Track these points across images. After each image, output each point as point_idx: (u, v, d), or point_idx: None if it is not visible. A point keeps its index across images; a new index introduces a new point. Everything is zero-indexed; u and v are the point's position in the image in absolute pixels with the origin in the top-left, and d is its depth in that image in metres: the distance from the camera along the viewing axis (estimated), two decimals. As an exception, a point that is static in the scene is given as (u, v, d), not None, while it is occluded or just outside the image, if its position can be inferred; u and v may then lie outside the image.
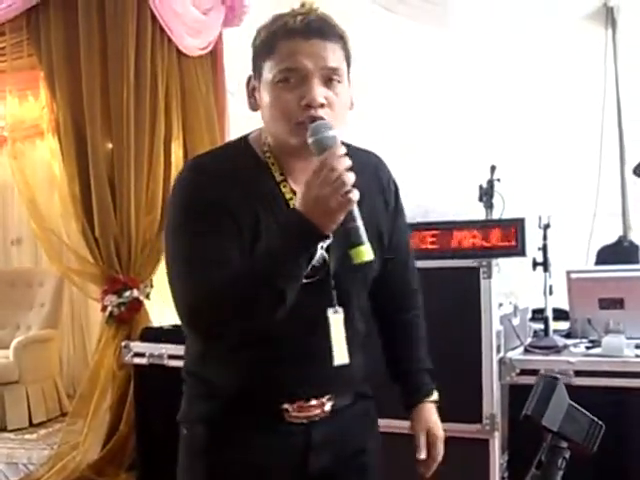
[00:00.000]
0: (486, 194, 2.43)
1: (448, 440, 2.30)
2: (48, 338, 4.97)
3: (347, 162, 1.19)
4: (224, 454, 1.37)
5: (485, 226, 2.28)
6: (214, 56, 4.38)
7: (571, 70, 4.87)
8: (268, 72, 1.29)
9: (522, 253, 2.25)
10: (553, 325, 2.58)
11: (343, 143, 1.26)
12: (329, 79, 1.28)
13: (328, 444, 1.40)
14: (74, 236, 4.05)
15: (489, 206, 2.45)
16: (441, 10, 4.71)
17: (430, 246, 2.34)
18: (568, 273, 2.38)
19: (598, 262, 4.13)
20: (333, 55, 1.28)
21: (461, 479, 2.29)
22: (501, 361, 2.30)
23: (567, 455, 1.12)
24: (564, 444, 1.12)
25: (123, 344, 3.12)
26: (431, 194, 3.31)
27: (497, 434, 2.26)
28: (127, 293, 3.75)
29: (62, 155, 3.85)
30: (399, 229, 1.48)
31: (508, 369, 2.30)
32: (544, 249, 2.45)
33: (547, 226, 2.45)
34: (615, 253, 4.23)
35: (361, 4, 4.64)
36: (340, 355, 1.33)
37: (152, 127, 3.89)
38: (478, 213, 2.58)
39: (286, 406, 1.36)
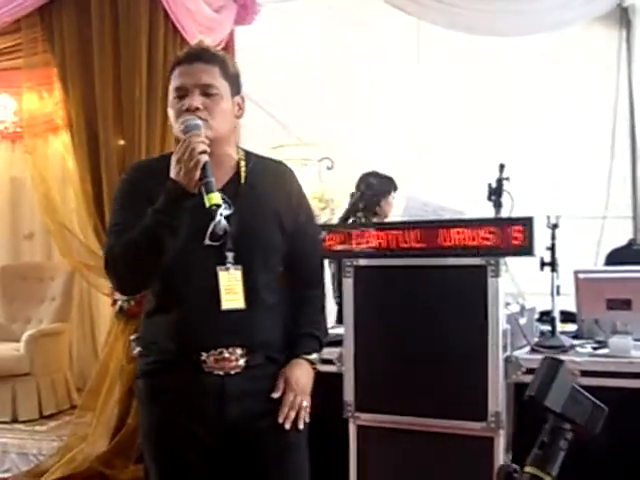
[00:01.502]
0: (495, 193, 2.44)
1: (453, 437, 2.33)
2: (59, 331, 5.01)
3: (202, 139, 1.63)
4: (159, 402, 1.73)
5: (493, 225, 2.28)
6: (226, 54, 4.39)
7: (584, 70, 4.86)
8: (170, 93, 1.76)
9: (530, 252, 2.25)
10: (561, 327, 2.58)
11: (257, 156, 1.85)
12: (206, 93, 1.72)
13: (241, 397, 1.71)
14: (85, 231, 4.09)
15: (498, 205, 2.45)
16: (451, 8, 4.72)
17: (438, 244, 2.34)
18: (576, 273, 2.39)
19: (608, 264, 4.11)
20: (208, 74, 1.72)
21: (466, 476, 2.31)
22: (507, 360, 2.31)
23: (569, 437, 1.13)
24: (567, 426, 1.13)
25: (132, 337, 3.14)
26: (441, 192, 3.32)
27: (502, 432, 2.27)
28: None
29: (74, 151, 3.88)
30: (301, 218, 1.88)
31: (514, 368, 2.30)
32: (552, 249, 2.45)
33: (555, 226, 2.45)
34: (625, 256, 4.22)
35: (374, 4, 4.66)
36: (231, 302, 1.69)
37: (164, 124, 3.91)
38: (487, 212, 2.58)
39: (203, 357, 1.69)
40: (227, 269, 1.71)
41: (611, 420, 2.18)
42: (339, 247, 2.46)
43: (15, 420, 4.62)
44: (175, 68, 1.75)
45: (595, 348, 2.38)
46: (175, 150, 1.66)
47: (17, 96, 4.64)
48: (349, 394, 2.46)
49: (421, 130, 4.82)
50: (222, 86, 1.74)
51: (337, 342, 2.65)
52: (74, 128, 3.84)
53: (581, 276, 2.36)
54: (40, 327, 4.95)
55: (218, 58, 1.76)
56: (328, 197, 4.22)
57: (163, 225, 1.63)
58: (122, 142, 3.86)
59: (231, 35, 4.43)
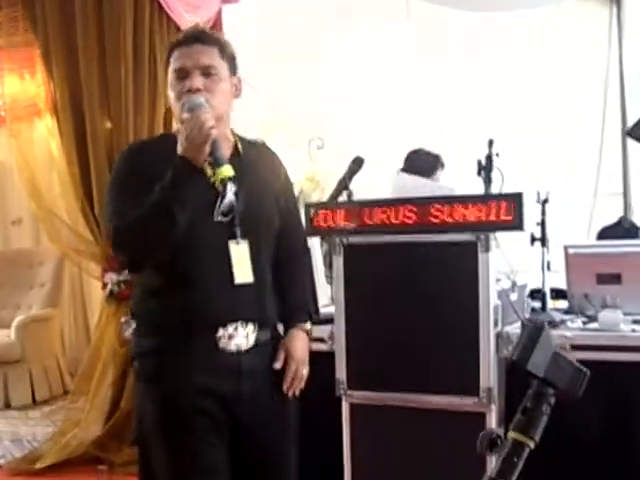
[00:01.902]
0: (484, 168, 2.42)
1: (445, 413, 2.34)
2: (49, 317, 4.99)
3: (209, 116, 1.66)
4: (171, 380, 1.72)
5: (483, 200, 2.27)
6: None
7: (574, 47, 4.83)
8: (169, 75, 1.79)
9: (520, 227, 2.24)
10: (552, 304, 2.58)
11: (240, 137, 1.88)
12: (206, 73, 1.75)
13: (254, 372, 1.78)
14: (74, 215, 4.06)
15: (487, 181, 2.44)
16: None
17: (428, 220, 2.33)
18: (566, 248, 2.38)
19: (599, 242, 4.12)
20: (206, 55, 1.76)
21: (457, 451, 2.31)
22: (498, 335, 2.31)
23: (552, 401, 1.13)
24: (549, 390, 1.13)
25: (123, 320, 3.11)
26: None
27: (494, 407, 2.27)
28: (126, 271, 3.75)
29: (60, 134, 3.84)
30: (289, 199, 1.98)
31: (505, 343, 2.30)
32: (542, 224, 2.45)
33: (545, 201, 2.44)
34: (616, 233, 4.22)
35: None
36: (242, 275, 1.75)
37: (151, 105, 3.88)
38: (477, 188, 2.57)
39: (219, 333, 1.72)
40: (237, 243, 1.76)
41: (601, 393, 2.19)
42: (328, 225, 2.45)
43: (8, 406, 4.61)
44: (174, 50, 1.79)
45: (585, 323, 2.38)
46: (182, 128, 1.68)
47: (-1, 79, 4.59)
48: (341, 372, 2.46)
49: (411, 107, 4.79)
50: (221, 67, 1.78)
51: (328, 320, 2.66)
52: (59, 110, 3.80)
53: (571, 251, 2.36)
54: (30, 313, 4.93)
55: (216, 39, 1.81)
56: (318, 177, 4.20)
57: (173, 200, 1.66)
58: (109, 124, 3.82)
59: (218, 14, 4.37)
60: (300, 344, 1.91)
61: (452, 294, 2.31)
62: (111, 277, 3.77)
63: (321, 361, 2.43)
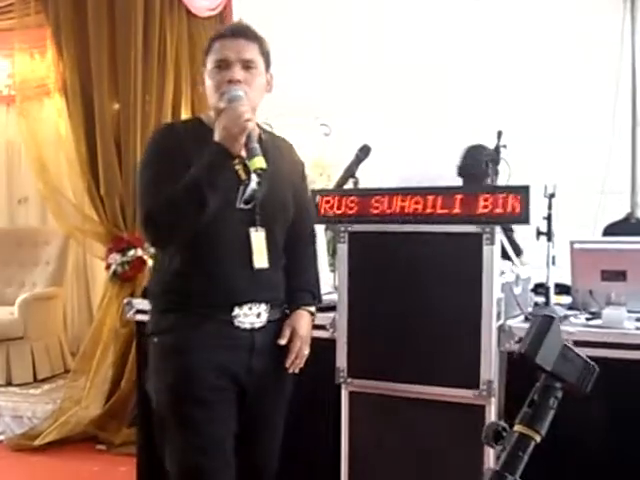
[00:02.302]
0: (492, 160, 2.41)
1: (445, 405, 2.34)
2: (53, 296, 5.01)
3: (246, 108, 1.77)
4: (190, 355, 1.82)
5: (489, 192, 2.26)
6: (223, 17, 4.34)
7: (586, 42, 4.79)
8: (209, 64, 1.89)
9: (526, 221, 2.23)
10: (555, 299, 2.57)
11: (266, 131, 2.01)
12: (247, 66, 1.87)
13: (265, 348, 1.91)
14: (80, 195, 4.07)
15: (495, 172, 2.43)
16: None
17: (434, 211, 2.32)
18: (572, 243, 2.37)
19: (605, 239, 4.10)
20: (249, 50, 1.88)
21: (456, 443, 2.32)
22: (500, 328, 2.30)
23: (559, 395, 1.12)
24: (557, 384, 1.12)
25: (125, 301, 3.13)
26: (438, 160, 3.28)
27: (494, 400, 2.27)
28: (131, 252, 3.77)
29: (69, 114, 3.85)
30: (304, 189, 2.14)
31: (507, 336, 2.30)
32: (548, 218, 2.43)
33: (552, 195, 2.43)
34: (622, 230, 4.21)
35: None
36: (259, 261, 1.87)
37: (160, 88, 3.88)
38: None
39: (235, 311, 1.84)
40: (257, 230, 1.88)
41: (604, 390, 2.19)
42: (334, 212, 2.44)
43: (9, 383, 4.63)
44: (217, 41, 1.90)
45: (589, 319, 2.37)
46: (220, 116, 1.78)
47: (10, 58, 4.57)
48: (342, 360, 2.46)
49: (419, 96, 4.76)
50: (259, 62, 1.90)
51: (329, 308, 2.66)
52: (68, 91, 3.80)
53: (577, 246, 2.35)
54: (34, 291, 4.95)
55: (257, 36, 1.93)
56: (326, 164, 4.20)
57: (207, 184, 1.75)
58: (117, 106, 3.82)
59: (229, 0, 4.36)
60: (305, 324, 2.02)
61: (456, 285, 2.30)
62: (115, 258, 3.79)
63: (320, 349, 2.46)
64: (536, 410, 1.11)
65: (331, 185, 3.79)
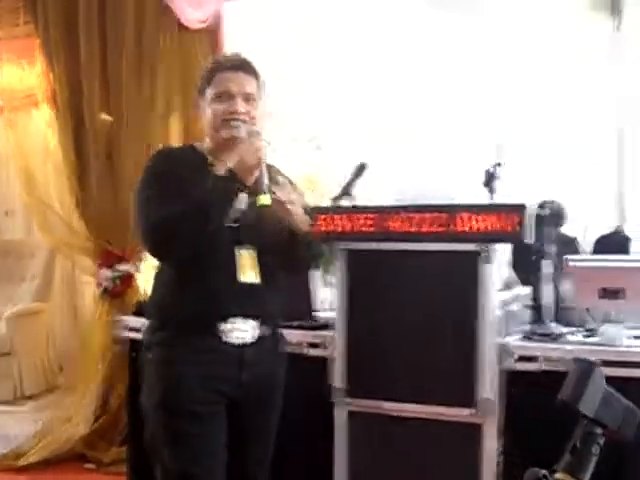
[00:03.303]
0: (491, 177, 2.40)
1: (442, 423, 2.32)
2: (39, 311, 4.94)
3: (264, 144, 1.88)
4: (180, 369, 1.87)
5: (486, 211, 2.25)
6: (214, 30, 4.32)
7: (573, 56, 4.82)
8: (208, 94, 1.99)
9: (522, 239, 2.23)
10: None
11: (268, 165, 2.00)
12: (247, 99, 1.97)
13: (255, 363, 1.93)
14: (67, 208, 4.01)
15: (492, 190, 2.42)
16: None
17: (431, 229, 2.31)
18: (570, 261, 2.37)
19: (595, 252, 4.11)
20: (250, 84, 1.99)
21: (453, 463, 2.30)
22: (499, 346, 2.29)
23: (602, 442, 1.10)
24: (599, 430, 1.10)
25: (117, 318, 3.10)
26: (434, 177, 3.28)
27: (492, 419, 2.25)
28: (121, 267, 3.72)
29: (58, 126, 3.80)
30: None
31: (506, 355, 2.29)
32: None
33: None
34: (612, 243, 4.22)
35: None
36: (246, 275, 1.92)
37: (151, 100, 3.85)
38: (480, 197, 2.55)
39: (222, 327, 1.88)
40: (246, 248, 1.93)
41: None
42: (329, 230, 2.43)
43: (-5, 400, 4.56)
44: (217, 73, 1.99)
45: (586, 336, 2.37)
46: (238, 147, 1.88)
47: (-1, 69, 4.52)
48: (337, 379, 2.44)
49: (413, 111, 4.76)
50: (258, 95, 2.01)
51: (324, 326, 2.63)
52: (58, 102, 3.76)
53: (575, 264, 2.34)
54: (20, 306, 4.88)
55: (255, 70, 2.03)
56: (317, 179, 4.18)
57: (214, 205, 1.85)
58: (107, 117, 3.78)
59: (220, 10, 4.34)
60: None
61: (454, 304, 2.29)
62: (106, 275, 3.74)
63: (307, 368, 2.45)
64: (579, 458, 1.09)
65: (322, 200, 3.78)
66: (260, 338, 1.94)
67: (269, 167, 2.06)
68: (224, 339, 1.89)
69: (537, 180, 4.40)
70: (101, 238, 3.80)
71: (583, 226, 4.70)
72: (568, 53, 4.73)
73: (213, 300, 1.89)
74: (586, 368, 1.10)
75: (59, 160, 3.91)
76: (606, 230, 4.34)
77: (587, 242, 4.31)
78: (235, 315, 1.90)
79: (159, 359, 1.92)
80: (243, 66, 2.00)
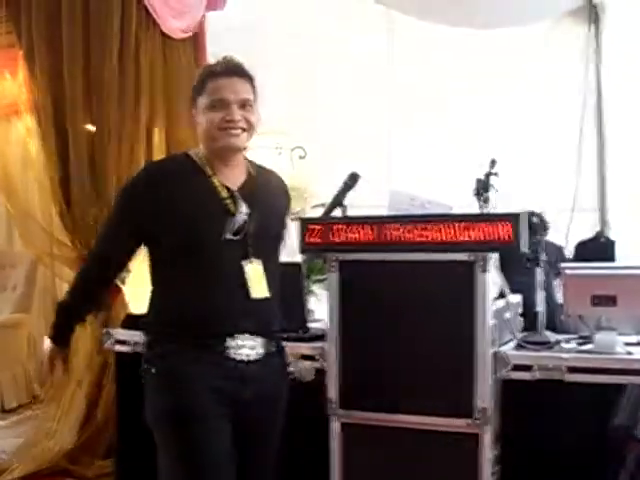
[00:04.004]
0: (483, 187, 2.41)
1: (439, 434, 2.31)
2: (19, 323, 4.86)
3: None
4: (188, 382, 1.84)
5: (481, 220, 2.26)
6: (197, 40, 4.31)
7: (552, 65, 4.88)
8: (202, 103, 1.92)
9: (518, 248, 2.24)
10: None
11: (256, 165, 2.06)
12: (243, 105, 1.90)
13: (258, 380, 1.89)
14: (49, 218, 3.95)
15: (485, 200, 2.43)
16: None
17: (425, 239, 2.31)
18: (563, 269, 2.38)
19: (575, 257, 4.16)
20: (245, 89, 1.91)
21: (451, 473, 2.30)
22: (495, 356, 2.29)
23: None
24: None
25: (104, 331, 3.05)
26: (427, 187, 3.30)
27: (488, 429, 2.25)
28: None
29: (41, 136, 3.74)
30: (287, 223, 2.16)
31: (502, 364, 2.29)
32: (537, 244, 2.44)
33: (540, 221, 2.44)
34: (593, 249, 4.27)
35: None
36: (258, 291, 1.89)
37: (134, 109, 3.81)
38: (472, 206, 2.57)
39: (229, 344, 1.85)
40: (251, 262, 1.89)
41: (596, 416, 2.19)
42: (321, 241, 2.41)
43: (-26, 414, 4.47)
44: (210, 79, 1.91)
45: (580, 344, 2.38)
46: None
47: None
48: (332, 391, 2.42)
49: (396, 121, 4.79)
50: (254, 100, 1.94)
51: (317, 337, 2.62)
52: (40, 112, 3.70)
53: (567, 272, 2.36)
54: (1, 317, 4.79)
55: (250, 74, 1.95)
56: (301, 186, 4.17)
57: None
58: (91, 127, 3.74)
59: (202, 20, 4.33)
60: None
61: (448, 313, 2.29)
62: (89, 284, 3.67)
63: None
64: None
65: (308, 208, 3.77)
66: (266, 355, 1.92)
67: (262, 169, 2.08)
68: (231, 355, 1.87)
69: (516, 189, 4.44)
70: (85, 249, 3.74)
71: (564, 233, 4.79)
72: (544, 65, 4.81)
73: (220, 317, 1.86)
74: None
75: (41, 170, 3.86)
76: (588, 235, 4.42)
77: (569, 249, 4.39)
78: (243, 332, 1.88)
79: (165, 372, 1.89)
80: (237, 71, 1.93)
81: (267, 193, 2.03)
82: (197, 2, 4.23)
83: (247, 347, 1.88)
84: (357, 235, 2.36)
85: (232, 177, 1.95)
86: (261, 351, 1.91)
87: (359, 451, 2.39)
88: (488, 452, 2.27)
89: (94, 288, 2.07)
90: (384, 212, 2.60)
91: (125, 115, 3.75)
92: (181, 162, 1.98)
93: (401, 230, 2.33)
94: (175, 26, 4.03)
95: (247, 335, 1.88)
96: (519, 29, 4.84)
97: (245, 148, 1.97)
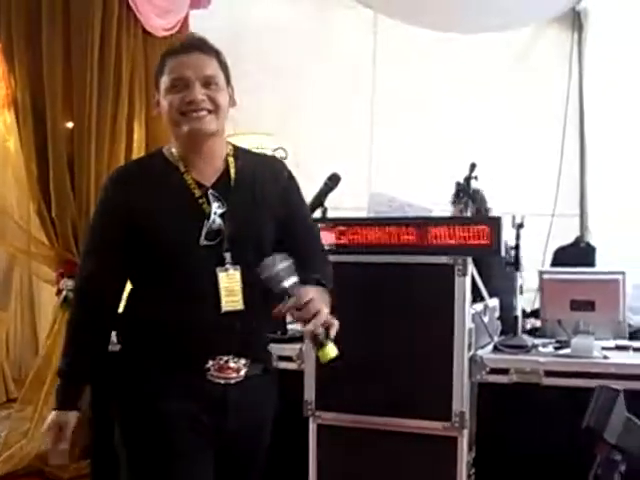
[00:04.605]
0: (463, 191, 2.42)
1: (416, 437, 2.31)
2: (-4, 320, 4.80)
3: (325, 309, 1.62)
4: (161, 404, 1.62)
5: (461, 224, 2.26)
6: (179, 38, 4.28)
7: (535, 71, 4.92)
8: (162, 85, 1.69)
9: (497, 252, 2.24)
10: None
11: (246, 150, 1.81)
12: (207, 83, 1.66)
13: (241, 406, 1.66)
14: (26, 216, 3.91)
15: (465, 204, 2.43)
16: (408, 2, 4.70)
17: (404, 242, 2.31)
18: (541, 274, 2.39)
19: (555, 262, 4.19)
20: (208, 65, 1.67)
21: (429, 476, 2.29)
22: (472, 359, 2.29)
23: (623, 469, 1.10)
24: (619, 457, 1.10)
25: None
26: (408, 190, 3.30)
27: (466, 432, 2.25)
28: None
29: (19, 132, 3.69)
30: (297, 208, 1.82)
31: (479, 367, 2.29)
32: (516, 249, 2.45)
33: (520, 226, 2.45)
34: (572, 253, 4.29)
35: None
36: (230, 303, 1.63)
37: (114, 107, 3.78)
38: (440, 206, 2.57)
39: (209, 364, 1.62)
40: (226, 270, 1.65)
41: (573, 420, 2.19)
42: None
43: (-52, 414, 4.40)
44: (169, 57, 1.68)
45: (557, 348, 2.39)
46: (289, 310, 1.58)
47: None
48: (310, 392, 2.41)
49: (379, 124, 4.80)
50: (220, 77, 1.69)
51: (296, 338, 2.60)
52: (19, 108, 3.64)
53: (546, 277, 2.37)
54: (-25, 316, 4.74)
55: (214, 49, 1.72)
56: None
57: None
58: (71, 124, 3.70)
59: (186, 19, 4.31)
60: (315, 289, 1.65)
61: (427, 317, 2.29)
62: (67, 283, 3.64)
63: (286, 381, 2.40)
64: None
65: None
66: (247, 378, 1.67)
67: (249, 155, 1.79)
68: (208, 377, 1.63)
69: (497, 193, 4.46)
70: (63, 247, 3.70)
71: (545, 237, 4.81)
72: (526, 71, 4.84)
73: (197, 334, 1.62)
74: (610, 396, 1.10)
75: (19, 166, 3.81)
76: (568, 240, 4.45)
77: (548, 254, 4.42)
78: (221, 352, 1.64)
79: (138, 395, 1.66)
80: (198, 45, 1.69)
81: (251, 184, 1.72)
82: (181, 1, 4.21)
83: (229, 369, 1.65)
84: (336, 237, 2.35)
85: (207, 171, 1.70)
86: (242, 373, 1.66)
87: (336, 453, 2.38)
88: (465, 455, 2.27)
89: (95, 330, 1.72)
90: (364, 214, 2.59)
91: (105, 113, 3.72)
92: (151, 162, 1.77)
93: (380, 232, 2.32)
94: (158, 24, 4.00)
95: (227, 356, 1.64)
96: (503, 34, 4.87)
97: (216, 133, 1.68)
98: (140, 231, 1.65)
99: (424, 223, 2.28)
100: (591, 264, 3.89)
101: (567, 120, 5.00)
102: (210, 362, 1.63)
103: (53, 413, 1.73)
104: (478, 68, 4.86)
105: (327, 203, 2.59)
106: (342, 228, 2.36)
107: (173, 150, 1.72)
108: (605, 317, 2.31)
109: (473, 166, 2.48)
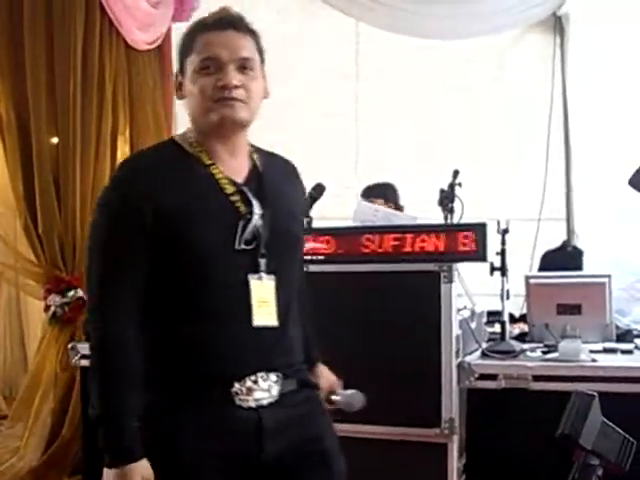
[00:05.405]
0: (447, 198, 2.43)
1: (406, 444, 2.31)
2: (-16, 338, 4.76)
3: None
4: (180, 445, 1.37)
5: (446, 230, 2.27)
6: (162, 51, 4.30)
7: (519, 76, 4.95)
8: (190, 65, 1.45)
9: (483, 258, 2.26)
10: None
11: (260, 148, 1.54)
12: (243, 67, 1.44)
13: (280, 430, 1.42)
14: (13, 233, 3.90)
15: (449, 210, 2.44)
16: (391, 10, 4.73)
17: (391, 249, 2.32)
18: (527, 278, 2.40)
19: (542, 266, 4.20)
20: (245, 45, 1.45)
21: (420, 483, 2.29)
22: (460, 365, 2.30)
23: (600, 473, 1.11)
24: (596, 461, 1.11)
25: (70, 346, 3.00)
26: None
27: (455, 438, 2.26)
28: (71, 292, 3.62)
29: (5, 149, 3.69)
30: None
31: (467, 373, 2.30)
32: (502, 254, 2.46)
33: (506, 231, 2.46)
34: (559, 258, 4.31)
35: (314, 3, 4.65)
36: (263, 317, 1.41)
37: (98, 122, 3.78)
38: (438, 217, 2.57)
39: (235, 387, 1.39)
40: (260, 278, 1.43)
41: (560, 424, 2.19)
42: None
43: (-63, 432, 4.36)
44: (199, 34, 1.44)
45: (545, 352, 2.40)
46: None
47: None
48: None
49: (364, 133, 4.81)
50: (256, 62, 1.47)
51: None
52: (4, 125, 3.64)
53: (532, 281, 2.38)
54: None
55: (252, 28, 1.48)
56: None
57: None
58: (55, 140, 3.70)
59: (168, 32, 4.31)
60: (328, 372, 1.72)
61: (414, 324, 2.30)
62: (54, 299, 3.63)
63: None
64: None
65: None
66: (282, 395, 1.44)
67: (267, 155, 1.54)
68: (237, 403, 1.39)
69: (483, 199, 4.48)
70: (51, 264, 3.69)
71: (532, 241, 4.83)
72: (510, 76, 4.87)
73: (223, 353, 1.40)
74: (586, 401, 1.11)
75: (5, 182, 3.80)
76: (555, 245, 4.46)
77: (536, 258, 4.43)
78: (250, 372, 1.41)
79: (152, 433, 1.37)
80: (234, 22, 1.45)
81: (279, 184, 1.51)
82: (163, 14, 4.22)
83: (260, 390, 1.41)
84: (322, 246, 2.35)
85: (234, 166, 1.46)
86: (275, 392, 1.42)
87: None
88: (456, 461, 2.27)
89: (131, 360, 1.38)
90: (350, 224, 2.60)
91: (89, 128, 3.72)
92: (167, 152, 1.48)
93: (366, 241, 2.33)
94: (140, 38, 4.00)
95: (258, 375, 1.41)
96: (485, 40, 4.91)
97: (247, 124, 1.46)
98: (166, 234, 1.39)
99: (409, 230, 2.29)
100: (579, 267, 3.91)
101: (551, 124, 5.02)
102: (237, 385, 1.40)
103: (128, 468, 1.34)
104: (461, 74, 4.89)
105: (312, 213, 2.59)
106: (328, 237, 2.36)
107: (191, 139, 1.47)
108: (592, 320, 2.32)
109: (456, 173, 2.49)
